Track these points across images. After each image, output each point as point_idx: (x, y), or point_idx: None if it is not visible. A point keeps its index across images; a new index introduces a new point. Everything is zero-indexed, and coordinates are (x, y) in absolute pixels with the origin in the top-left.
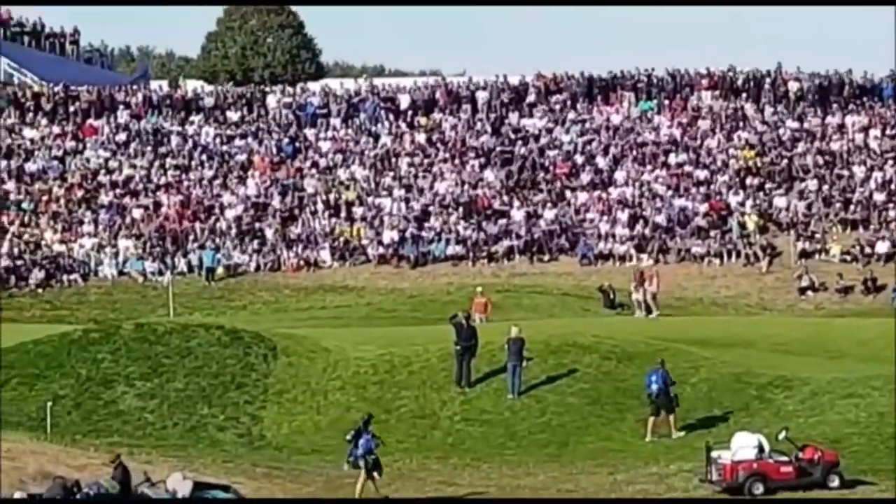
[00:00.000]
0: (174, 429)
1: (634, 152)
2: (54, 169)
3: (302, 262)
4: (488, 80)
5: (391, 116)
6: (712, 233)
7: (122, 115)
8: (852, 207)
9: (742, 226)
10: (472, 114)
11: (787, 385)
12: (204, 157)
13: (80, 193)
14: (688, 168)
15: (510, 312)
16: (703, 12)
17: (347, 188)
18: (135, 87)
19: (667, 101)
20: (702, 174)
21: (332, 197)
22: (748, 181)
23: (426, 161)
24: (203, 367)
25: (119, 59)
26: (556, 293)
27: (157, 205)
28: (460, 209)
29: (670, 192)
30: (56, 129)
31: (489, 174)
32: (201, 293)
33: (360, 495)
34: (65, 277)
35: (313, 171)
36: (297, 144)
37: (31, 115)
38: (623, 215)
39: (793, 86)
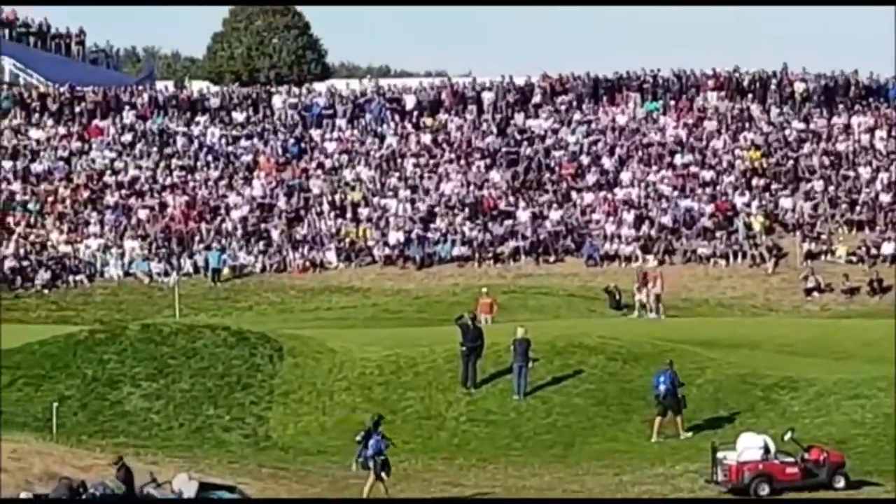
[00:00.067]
0: (180, 429)
1: (640, 153)
2: (60, 170)
3: (308, 263)
4: (494, 81)
5: (397, 117)
6: (718, 234)
7: (128, 116)
8: (858, 208)
9: (748, 227)
10: (477, 114)
11: (792, 386)
12: (210, 157)
13: (85, 194)
14: (693, 169)
15: (516, 313)
16: (708, 13)
17: (353, 189)
18: (140, 87)
19: (672, 102)
20: (707, 175)
21: (337, 198)
22: (754, 182)
23: (432, 162)
24: (209, 367)
25: (125, 59)
26: (561, 294)
27: (163, 205)
28: (466, 210)
29: (676, 193)
30: (62, 130)
31: (495, 175)
32: (207, 294)
33: (367, 496)
34: (71, 278)
35: (319, 171)
36: (303, 145)
37: (36, 115)
38: (629, 216)
39: (799, 86)
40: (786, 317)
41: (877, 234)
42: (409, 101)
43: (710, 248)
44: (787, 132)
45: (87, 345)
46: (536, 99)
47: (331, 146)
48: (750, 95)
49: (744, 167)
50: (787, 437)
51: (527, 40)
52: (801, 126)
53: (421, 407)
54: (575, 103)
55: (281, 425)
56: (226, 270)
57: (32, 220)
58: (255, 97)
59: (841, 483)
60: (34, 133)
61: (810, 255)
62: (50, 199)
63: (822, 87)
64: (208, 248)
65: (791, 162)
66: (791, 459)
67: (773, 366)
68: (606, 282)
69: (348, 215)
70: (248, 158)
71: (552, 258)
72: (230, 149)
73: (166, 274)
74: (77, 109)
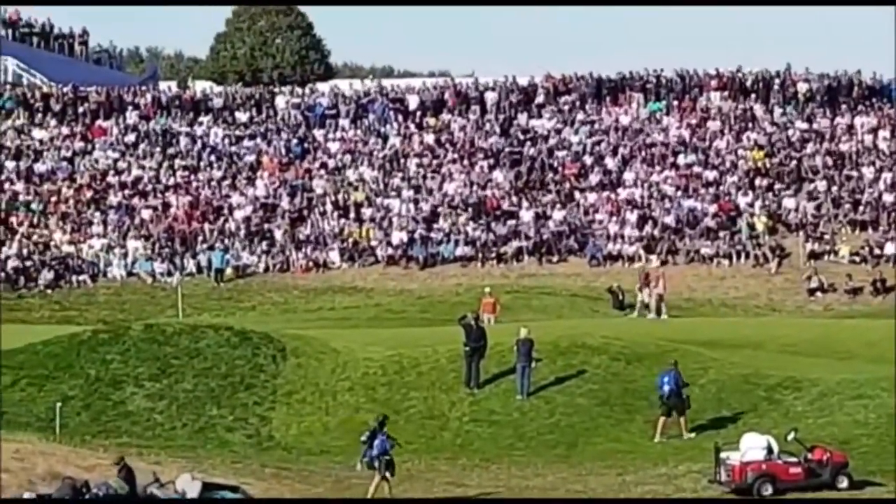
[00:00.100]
0: (183, 429)
1: (643, 153)
2: (63, 170)
3: (311, 263)
4: (497, 81)
5: (400, 117)
6: (721, 234)
7: (131, 116)
8: (861, 208)
9: (751, 227)
10: (480, 115)
11: (795, 386)
12: (213, 157)
13: (89, 194)
14: (697, 169)
15: (519, 313)
16: (712, 13)
17: (356, 189)
18: (143, 87)
19: (676, 102)
20: (711, 175)
21: (340, 198)
22: (757, 182)
23: (435, 162)
24: (212, 367)
25: (128, 59)
26: (564, 294)
27: (166, 205)
28: (469, 210)
29: (679, 193)
30: (65, 130)
31: (498, 175)
32: (210, 294)
33: (372, 496)
34: (74, 278)
35: (322, 171)
36: (306, 145)
37: (39, 115)
38: (632, 216)
39: (802, 87)
40: (789, 317)
41: (880, 235)
42: (413, 102)
43: (714, 248)
44: (790, 132)
45: (91, 345)
46: (540, 99)
47: (334, 146)
48: (753, 95)
49: (747, 167)
50: (791, 437)
51: (530, 40)
52: (805, 126)
53: (424, 407)
54: (578, 103)
55: (284, 425)
56: (229, 270)
57: (36, 220)
58: (259, 97)
59: (844, 483)
60: (37, 133)
61: (813, 256)
62: (53, 199)
63: (826, 87)
64: (211, 248)
65: (794, 162)
66: (794, 460)
67: (776, 366)
68: (609, 282)
69: (351, 215)
70: (251, 158)
71: (555, 258)
72: (233, 149)
73: (169, 274)
74: (80, 110)
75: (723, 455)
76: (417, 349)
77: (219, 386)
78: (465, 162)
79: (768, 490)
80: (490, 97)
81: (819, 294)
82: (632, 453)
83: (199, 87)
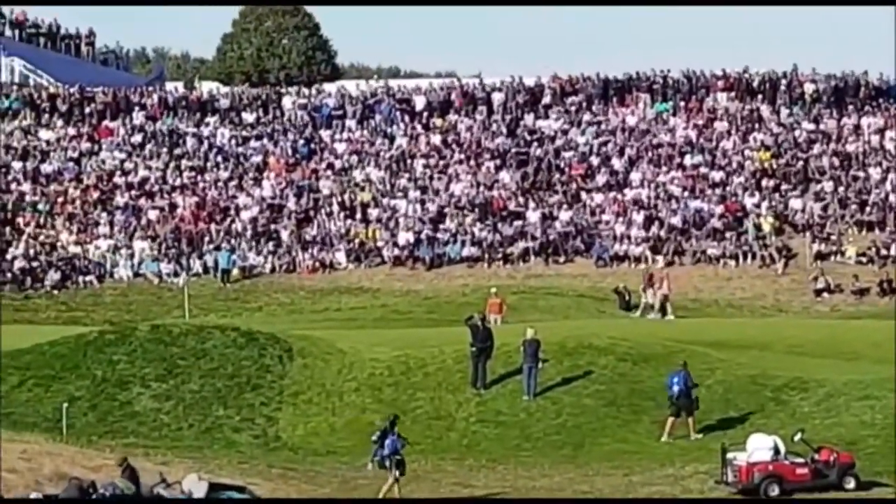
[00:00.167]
0: (190, 430)
1: (650, 154)
2: (70, 170)
3: (317, 264)
4: (504, 82)
5: (406, 118)
6: (728, 234)
7: (138, 117)
8: (868, 209)
9: (758, 227)
10: (487, 115)
11: (802, 387)
12: (219, 158)
13: (95, 195)
14: (703, 170)
15: (526, 314)
16: (718, 13)
17: (363, 189)
18: (150, 88)
19: (682, 103)
20: (717, 176)
21: (347, 198)
22: (764, 183)
23: (441, 162)
24: (218, 368)
25: (134, 60)
26: (571, 295)
27: (173, 206)
28: (476, 211)
29: (686, 194)
30: (71, 131)
31: (504, 176)
32: (217, 295)
33: (383, 496)
34: (80, 279)
35: (328, 172)
36: (313, 146)
37: (46, 116)
38: (638, 217)
39: (808, 87)
40: (796, 318)
41: (887, 235)
42: (419, 102)
43: (720, 248)
44: (796, 133)
45: (97, 345)
46: (546, 100)
47: (340, 147)
48: (760, 96)
49: (753, 168)
50: (797, 437)
51: (536, 41)
52: (811, 127)
53: (430, 408)
54: (585, 104)
55: (290, 426)
56: (235, 271)
57: (42, 220)
58: (265, 98)
59: (851, 484)
60: (44, 134)
61: (820, 256)
62: (60, 199)
63: (832, 87)
64: (218, 248)
65: (801, 163)
66: (801, 460)
67: (782, 367)
68: (616, 282)
69: (358, 216)
70: (257, 159)
71: (562, 259)
72: (240, 149)
73: (176, 274)
74: (87, 110)
75: (729, 456)
76: (424, 350)
77: (225, 386)
78: (472, 162)
79: (775, 491)
80: (497, 98)
81: (826, 295)
82: (638, 454)
83: (206, 87)
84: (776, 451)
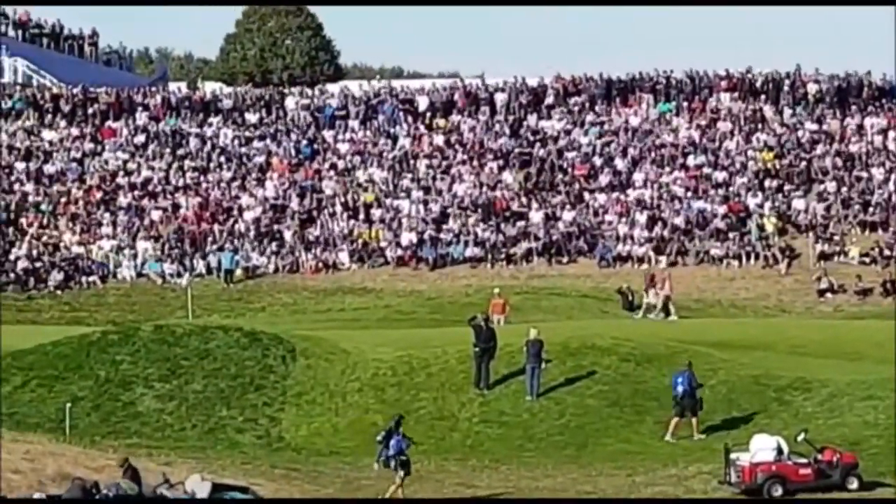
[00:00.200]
0: (193, 430)
1: (653, 154)
2: (73, 171)
3: (320, 264)
4: (507, 82)
5: (409, 118)
6: (731, 235)
7: (141, 117)
8: (871, 209)
9: (761, 228)
10: (490, 115)
11: (805, 387)
12: (222, 158)
13: (98, 195)
14: (706, 170)
15: (529, 314)
16: (721, 13)
17: (366, 190)
18: (153, 88)
19: (685, 103)
20: (720, 176)
21: (350, 199)
22: (767, 183)
23: (444, 163)
24: (222, 368)
25: (138, 60)
26: (574, 295)
27: (176, 206)
28: (479, 211)
29: (689, 194)
30: (75, 131)
31: (507, 176)
32: (220, 295)
33: (391, 496)
34: (83, 279)
35: (332, 172)
36: (316, 146)
37: (49, 116)
38: (641, 217)
39: (812, 87)
40: (799, 318)
41: (890, 235)
42: (422, 103)
43: (723, 249)
44: (800, 133)
45: (100, 346)
46: (549, 100)
47: (343, 147)
48: (763, 96)
49: (757, 168)
50: (800, 438)
51: (539, 41)
52: (814, 127)
53: (434, 408)
54: (588, 104)
55: (294, 426)
56: (238, 271)
57: (45, 221)
58: (268, 98)
59: (854, 484)
60: (47, 134)
61: (823, 257)
62: (63, 200)
63: (836, 88)
64: (221, 249)
65: (804, 163)
66: (804, 460)
67: (786, 367)
68: (619, 283)
69: (361, 216)
70: (260, 159)
71: (565, 259)
72: (243, 150)
73: (179, 275)
74: (90, 111)
75: (733, 456)
76: (427, 350)
77: (228, 387)
78: (475, 163)
79: (778, 491)
80: (500, 98)
81: (829, 295)
82: (642, 454)
83: (209, 88)
84: (779, 451)
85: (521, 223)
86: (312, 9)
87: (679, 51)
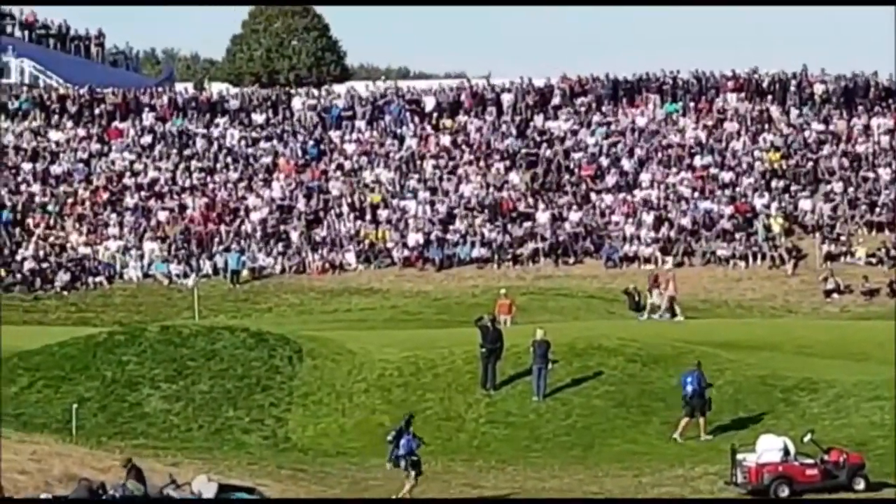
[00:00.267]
0: (199, 431)
1: (660, 154)
2: (80, 171)
3: (327, 265)
4: (513, 83)
5: (416, 119)
6: (737, 235)
7: (148, 118)
8: (878, 210)
9: (767, 228)
10: (497, 116)
11: (812, 388)
12: (229, 159)
13: (105, 196)
14: (713, 170)
15: (535, 315)
16: (728, 14)
17: (372, 191)
18: (160, 89)
19: (692, 104)
20: (727, 176)
21: (356, 199)
22: (773, 183)
23: (451, 163)
24: (228, 369)
25: (144, 61)
26: (581, 296)
27: (183, 207)
28: (485, 212)
29: (695, 195)
30: (81, 132)
31: (514, 176)
32: (226, 295)
33: (401, 496)
34: (90, 280)
35: (338, 173)
36: (322, 147)
37: (56, 117)
38: (648, 218)
39: (818, 88)
40: (805, 318)
41: None
42: (429, 103)
43: (730, 249)
44: (806, 134)
45: (107, 346)
46: (556, 100)
47: (350, 148)
48: (769, 97)
49: (763, 169)
50: (807, 438)
51: (546, 41)
52: (821, 127)
53: (440, 408)
54: (594, 105)
55: (300, 427)
56: (245, 272)
57: (52, 221)
58: (275, 99)
59: (861, 485)
60: (54, 135)
61: (830, 257)
62: (69, 200)
63: (842, 88)
64: (227, 249)
65: (811, 163)
66: (811, 461)
67: (792, 367)
68: (626, 283)
69: (367, 217)
70: (267, 160)
71: (571, 260)
72: (249, 150)
73: (185, 276)
74: (97, 111)
75: (739, 457)
76: (434, 351)
77: (235, 387)
78: (482, 163)
79: (785, 492)
80: (506, 98)
81: (835, 295)
82: (648, 455)
83: (216, 88)
84: (786, 451)
85: (527, 224)
86: (319, 9)
87: (685, 51)
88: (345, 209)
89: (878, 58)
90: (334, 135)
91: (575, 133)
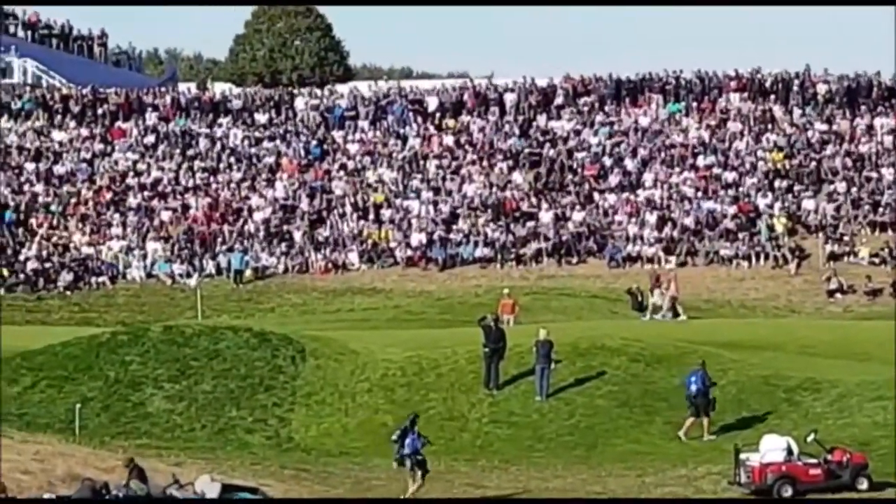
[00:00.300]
0: (202, 431)
1: (663, 154)
2: (83, 171)
3: (330, 265)
4: (516, 82)
5: (419, 119)
6: (741, 235)
7: (151, 118)
8: (881, 210)
9: (770, 228)
10: (500, 116)
11: (815, 388)
12: (232, 159)
13: (108, 196)
14: (716, 170)
15: (538, 315)
16: (731, 13)
17: (375, 190)
18: (163, 89)
19: (695, 104)
20: (730, 176)
21: (360, 199)
22: (777, 183)
23: (454, 163)
24: (231, 369)
25: (147, 61)
26: (584, 296)
27: (186, 207)
28: (488, 211)
29: (699, 195)
30: (84, 132)
31: (517, 176)
32: (229, 295)
33: (408, 496)
34: (93, 280)
35: (341, 173)
36: (325, 147)
37: (59, 117)
38: (651, 217)
39: (821, 88)
40: (808, 318)
41: None
42: (432, 103)
43: (733, 249)
44: (809, 133)
45: (110, 346)
46: (559, 100)
47: (353, 148)
48: (772, 97)
49: (766, 168)
50: (810, 438)
51: (548, 41)
52: (824, 127)
53: (443, 408)
54: (597, 105)
55: (303, 427)
56: (248, 272)
57: (55, 221)
58: (278, 99)
59: (864, 484)
60: (57, 135)
61: (833, 257)
62: (72, 200)
63: (845, 88)
64: (230, 249)
65: (814, 163)
66: (814, 461)
67: (795, 367)
68: (629, 283)
69: (370, 217)
70: (270, 160)
71: (574, 259)
72: (252, 150)
73: (188, 275)
74: (99, 111)
75: (742, 456)
76: (437, 350)
77: (238, 387)
78: (485, 163)
79: (788, 491)
80: (509, 98)
81: (838, 295)
82: (651, 455)
83: (219, 88)
84: (789, 451)
85: (530, 223)
86: (322, 9)
87: (688, 51)
88: (348, 209)
89: (881, 57)
90: (337, 135)
91: (578, 133)
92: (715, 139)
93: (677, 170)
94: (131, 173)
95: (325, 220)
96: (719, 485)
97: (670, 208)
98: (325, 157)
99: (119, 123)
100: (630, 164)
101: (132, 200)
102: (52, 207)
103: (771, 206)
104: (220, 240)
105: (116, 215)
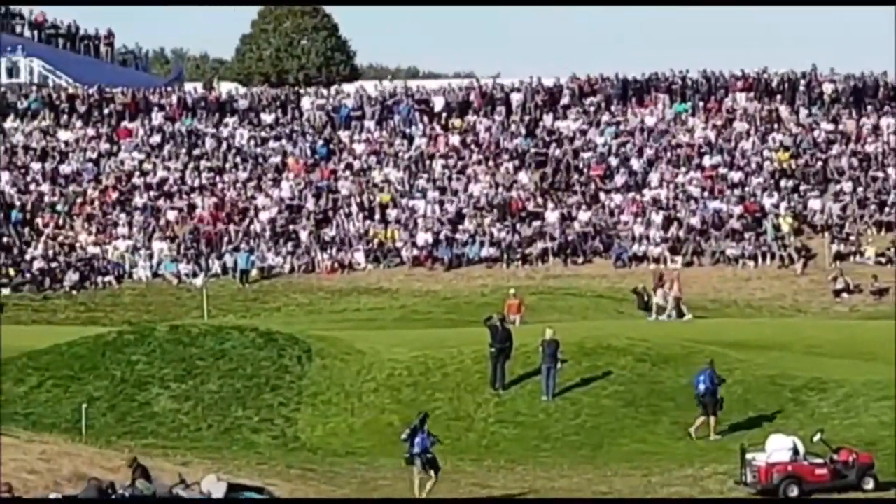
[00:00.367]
0: (208, 431)
1: (669, 154)
2: (89, 171)
3: (336, 264)
4: (522, 82)
5: (425, 118)
6: (747, 235)
7: (157, 118)
8: (887, 209)
9: (776, 228)
10: (506, 116)
11: (821, 387)
12: (238, 159)
13: (114, 195)
14: (722, 170)
15: (544, 314)
16: (737, 13)
17: (381, 190)
18: (169, 89)
19: (701, 103)
20: (736, 176)
21: (366, 199)
22: (783, 183)
23: (460, 163)
24: (237, 369)
25: (153, 61)
26: (590, 295)
27: (192, 207)
28: (494, 211)
29: (705, 194)
30: (90, 132)
31: (523, 176)
32: (235, 295)
33: (425, 495)
34: (99, 279)
35: (347, 173)
36: (332, 146)
37: (65, 117)
38: (657, 217)
39: (827, 87)
40: (814, 318)
41: None
42: (438, 103)
43: (739, 249)
44: (815, 133)
45: (116, 346)
46: (565, 100)
47: (359, 147)
48: (778, 96)
49: (772, 168)
50: (816, 438)
51: (554, 41)
52: (830, 127)
53: (449, 408)
54: (603, 104)
55: (309, 426)
56: (254, 272)
57: (61, 221)
58: (284, 99)
59: (870, 484)
60: (63, 135)
61: (839, 257)
62: (79, 200)
63: (851, 88)
64: (237, 249)
65: (820, 163)
66: (820, 461)
67: (801, 367)
68: (635, 283)
69: (377, 216)
70: (276, 160)
71: (580, 259)
72: (259, 150)
73: (195, 275)
74: (106, 111)
75: (748, 456)
76: (443, 350)
77: (244, 387)
78: (491, 163)
79: (794, 491)
80: (515, 98)
81: (845, 295)
82: (657, 454)
83: (225, 88)
84: (795, 451)
85: (536, 223)
86: (328, 9)
87: (695, 51)
88: (354, 209)
89: (887, 57)
90: (343, 134)
91: (584, 133)
92: (721, 139)
93: (683, 169)
94: (137, 173)
95: (332, 220)
96: (725, 484)
97: (676, 208)
98: (331, 156)
99: (125, 123)
100: (636, 163)
101: (138, 200)
102: (59, 207)
103: (777, 206)
104: (226, 239)
105: (122, 215)
